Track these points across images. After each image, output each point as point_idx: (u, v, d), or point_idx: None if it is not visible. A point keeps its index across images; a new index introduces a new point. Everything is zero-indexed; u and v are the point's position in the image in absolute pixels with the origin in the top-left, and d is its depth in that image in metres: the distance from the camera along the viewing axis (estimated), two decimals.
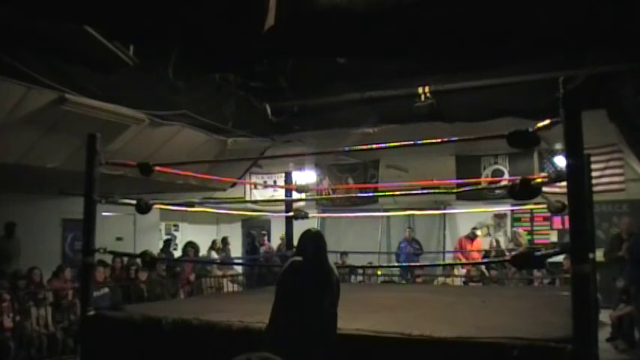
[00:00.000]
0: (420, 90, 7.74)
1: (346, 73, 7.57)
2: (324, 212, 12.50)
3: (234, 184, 11.23)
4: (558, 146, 9.09)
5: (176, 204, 7.29)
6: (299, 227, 4.60)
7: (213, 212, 11.76)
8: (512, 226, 12.49)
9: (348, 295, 4.07)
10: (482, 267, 10.19)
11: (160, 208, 8.66)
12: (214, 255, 12.41)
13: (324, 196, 11.31)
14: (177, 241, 14.26)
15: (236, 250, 14.23)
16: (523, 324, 3.84)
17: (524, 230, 11.87)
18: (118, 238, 11.88)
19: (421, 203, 10.91)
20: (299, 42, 5.42)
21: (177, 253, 12.90)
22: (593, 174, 7.16)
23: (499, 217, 12.70)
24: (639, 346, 7.61)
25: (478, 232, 11.18)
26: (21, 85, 5.93)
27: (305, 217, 7.11)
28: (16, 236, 9.44)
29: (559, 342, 3.08)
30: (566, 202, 3.17)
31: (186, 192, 10.62)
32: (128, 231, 12.34)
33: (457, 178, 10.11)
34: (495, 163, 10.48)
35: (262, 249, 12.77)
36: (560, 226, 11.74)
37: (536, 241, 12.00)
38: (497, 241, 11.65)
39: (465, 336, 3.39)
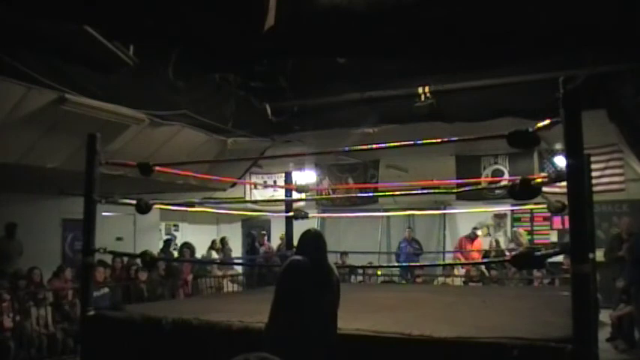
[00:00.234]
0: (420, 90, 7.74)
1: (346, 73, 7.57)
2: (324, 212, 12.51)
3: (234, 184, 11.22)
4: (558, 146, 9.09)
5: (176, 204, 7.29)
6: (299, 227, 4.60)
7: (213, 212, 11.76)
8: (512, 226, 12.50)
9: (348, 295, 4.07)
10: (483, 267, 10.19)
11: (160, 208, 8.66)
12: (214, 255, 12.42)
13: (324, 196, 11.31)
14: (177, 241, 14.26)
15: (236, 250, 14.23)
16: (523, 324, 3.84)
17: (524, 230, 11.87)
18: (118, 238, 11.88)
19: (421, 203, 10.91)
20: (299, 42, 5.42)
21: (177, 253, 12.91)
22: (593, 174, 7.15)
23: (499, 217, 12.71)
24: (639, 346, 7.61)
25: (479, 232, 11.19)
26: (21, 85, 5.92)
27: (305, 217, 7.11)
28: (16, 237, 9.44)
29: (559, 342, 3.08)
30: (566, 202, 3.17)
31: (186, 192, 10.62)
32: (128, 231, 12.35)
33: (457, 178, 10.11)
34: (495, 163, 10.48)
35: (262, 249, 12.77)
36: (560, 226, 11.74)
37: (536, 241, 12.01)
38: (497, 241, 11.66)
39: (465, 336, 3.39)
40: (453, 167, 10.53)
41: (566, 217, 3.18)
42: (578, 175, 3.13)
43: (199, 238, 13.94)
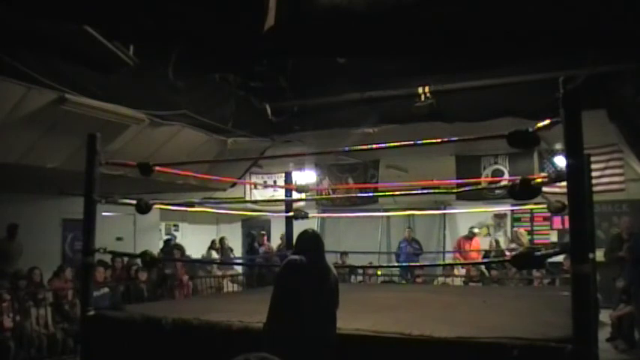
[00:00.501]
0: (420, 90, 7.73)
1: (346, 73, 7.57)
2: (324, 212, 12.51)
3: (234, 184, 11.22)
4: (558, 146, 9.09)
5: (176, 204, 7.28)
6: (299, 227, 4.60)
7: (213, 212, 11.76)
8: (512, 226, 12.50)
9: (348, 295, 4.08)
10: (482, 267, 10.19)
11: (160, 208, 8.66)
12: (214, 255, 12.42)
13: (324, 196, 11.31)
14: (177, 241, 14.27)
15: (236, 250, 14.23)
16: (523, 324, 3.84)
17: (525, 230, 11.88)
18: (118, 238, 11.88)
19: (421, 203, 10.92)
20: (299, 42, 5.42)
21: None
22: (593, 174, 7.15)
23: (499, 217, 12.72)
24: (639, 346, 7.61)
25: (476, 231, 11.20)
26: (21, 85, 5.92)
27: (305, 217, 7.11)
28: (17, 238, 9.44)
29: (559, 342, 3.08)
30: (566, 202, 3.17)
31: (186, 192, 10.62)
32: (128, 231, 12.35)
33: (457, 178, 10.10)
34: (495, 163, 10.47)
35: (262, 249, 12.78)
36: (560, 226, 11.75)
37: (536, 241, 12.02)
38: (497, 241, 11.66)
39: (465, 336, 3.39)
40: (453, 167, 10.52)
41: (566, 217, 3.18)
42: (578, 175, 3.13)
43: (199, 238, 13.95)
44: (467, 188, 9.71)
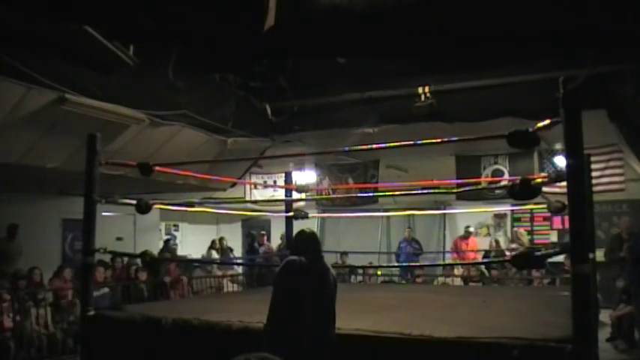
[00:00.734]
0: (420, 90, 7.73)
1: (346, 73, 7.57)
2: (324, 212, 12.52)
3: (234, 184, 11.22)
4: (558, 146, 9.09)
5: (176, 204, 7.28)
6: (299, 227, 4.59)
7: (213, 212, 11.76)
8: (512, 226, 12.50)
9: (348, 295, 4.08)
10: (482, 267, 10.19)
11: (160, 208, 8.66)
12: (214, 255, 12.42)
13: (324, 196, 11.31)
14: (178, 241, 14.28)
15: (236, 250, 14.24)
16: (523, 324, 3.84)
17: (525, 230, 11.88)
18: (118, 238, 11.88)
19: (421, 203, 10.92)
20: (299, 42, 5.42)
21: (177, 253, 12.91)
22: (593, 174, 7.15)
23: (499, 217, 12.72)
24: (639, 346, 7.61)
25: (471, 230, 11.20)
26: (21, 85, 5.92)
27: (305, 217, 7.12)
28: (17, 238, 9.44)
29: (559, 342, 3.08)
30: (566, 202, 3.17)
31: (186, 192, 10.62)
32: (128, 231, 12.35)
33: (457, 178, 10.10)
34: (495, 163, 10.48)
35: (261, 249, 12.78)
36: (560, 226, 11.75)
37: (536, 241, 12.02)
38: (497, 241, 11.66)
39: (465, 336, 3.39)
40: (453, 167, 10.52)
41: (566, 217, 3.18)
42: (578, 175, 3.13)
43: (199, 238, 13.96)
44: (467, 188, 9.71)
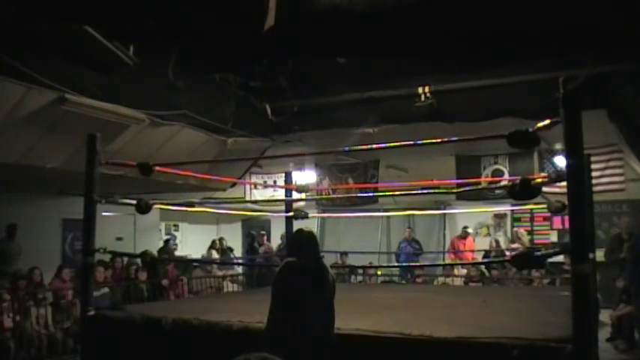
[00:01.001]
0: (420, 90, 7.73)
1: (346, 73, 7.56)
2: (324, 212, 12.51)
3: (234, 184, 11.23)
4: (558, 146, 9.09)
5: (176, 204, 7.28)
6: (299, 227, 4.60)
7: (213, 212, 11.76)
8: (513, 226, 12.49)
9: (348, 295, 4.08)
10: (482, 267, 10.19)
11: (160, 208, 8.67)
12: (215, 255, 12.42)
13: (324, 196, 11.31)
14: (178, 241, 14.28)
15: (236, 250, 14.24)
16: (523, 324, 3.84)
17: (525, 230, 11.87)
18: (118, 238, 11.88)
19: (421, 203, 10.91)
20: (299, 42, 5.41)
21: (177, 253, 12.92)
22: (593, 174, 7.16)
23: (499, 217, 12.71)
24: (639, 346, 7.61)
25: (469, 230, 11.20)
26: (21, 85, 5.92)
27: (305, 217, 7.12)
28: (17, 238, 9.44)
29: (559, 342, 3.09)
30: (566, 202, 3.17)
31: (186, 192, 10.62)
32: (128, 231, 12.35)
33: (457, 178, 10.11)
34: (495, 163, 10.48)
35: (261, 249, 12.78)
36: (560, 226, 11.74)
37: (536, 241, 12.01)
38: (497, 241, 11.66)
39: (465, 336, 3.39)
40: (453, 167, 10.52)
41: (566, 217, 3.19)
42: (578, 175, 3.14)
43: (199, 238, 13.96)
44: (467, 188, 9.72)
